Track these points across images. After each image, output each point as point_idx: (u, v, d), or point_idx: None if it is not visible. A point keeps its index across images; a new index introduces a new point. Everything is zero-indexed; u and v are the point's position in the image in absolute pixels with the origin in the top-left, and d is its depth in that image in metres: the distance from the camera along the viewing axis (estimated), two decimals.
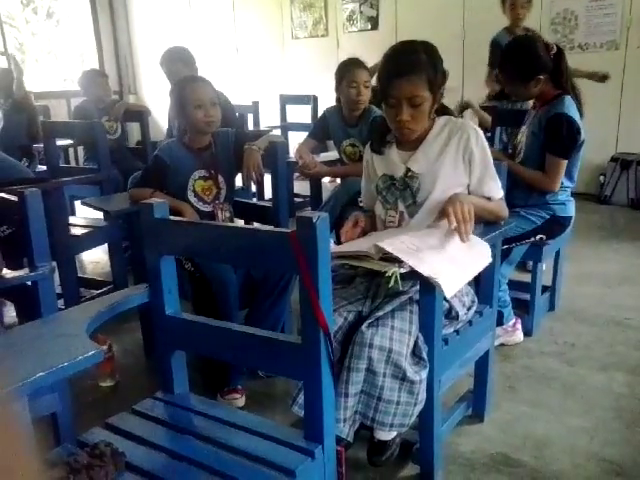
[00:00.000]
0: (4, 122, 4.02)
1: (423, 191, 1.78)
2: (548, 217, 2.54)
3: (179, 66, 3.36)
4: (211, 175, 2.38)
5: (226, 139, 2.46)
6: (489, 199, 1.84)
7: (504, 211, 1.90)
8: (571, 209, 2.62)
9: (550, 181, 2.47)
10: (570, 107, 2.44)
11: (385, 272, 1.46)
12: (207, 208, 2.38)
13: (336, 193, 3.02)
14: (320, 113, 3.51)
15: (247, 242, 1.31)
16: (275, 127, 4.78)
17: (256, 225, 2.62)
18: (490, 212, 1.85)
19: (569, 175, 2.55)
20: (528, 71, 2.45)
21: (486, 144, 1.80)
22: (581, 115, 2.49)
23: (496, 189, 1.84)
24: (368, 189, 2.00)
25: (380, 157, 1.89)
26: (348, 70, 2.97)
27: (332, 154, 3.61)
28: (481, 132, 1.80)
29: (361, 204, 2.61)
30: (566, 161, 2.46)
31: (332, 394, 1.29)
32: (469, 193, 1.84)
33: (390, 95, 1.70)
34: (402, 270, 1.44)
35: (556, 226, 2.59)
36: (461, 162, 1.78)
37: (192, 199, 2.35)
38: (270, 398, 2.24)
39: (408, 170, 1.81)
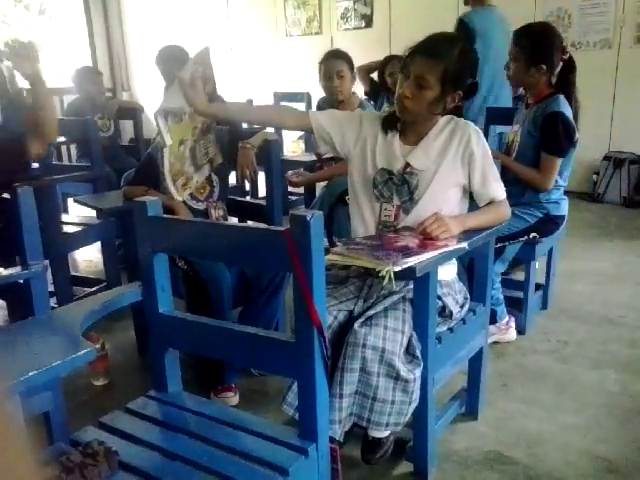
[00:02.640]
0: (2, 119, 3.99)
1: (420, 188, 1.77)
2: (542, 216, 2.55)
3: (174, 66, 3.34)
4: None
5: (219, 137, 2.44)
6: (491, 202, 1.82)
7: (505, 215, 1.87)
8: (564, 208, 2.63)
9: (544, 179, 2.47)
10: (565, 106, 2.45)
11: (379, 271, 1.46)
12: (200, 206, 2.37)
13: (322, 194, 3.03)
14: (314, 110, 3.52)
15: (241, 240, 1.30)
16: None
17: (250, 223, 2.62)
18: (489, 223, 1.82)
19: (560, 174, 2.55)
20: (536, 54, 2.44)
21: (487, 145, 1.80)
22: (575, 120, 2.50)
23: (499, 190, 1.83)
24: (331, 118, 1.90)
25: (383, 147, 1.84)
26: (324, 60, 3.06)
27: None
28: (482, 133, 1.80)
29: (348, 201, 2.61)
30: (561, 160, 2.47)
31: (326, 392, 1.29)
32: (471, 195, 1.84)
33: (406, 67, 1.72)
34: (396, 268, 1.44)
35: (549, 225, 2.59)
36: (460, 162, 1.77)
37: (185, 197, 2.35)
38: (263, 396, 2.24)
39: (407, 165, 1.80)
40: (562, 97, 2.47)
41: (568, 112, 2.45)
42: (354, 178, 1.89)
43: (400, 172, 1.80)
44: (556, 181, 2.54)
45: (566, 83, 2.52)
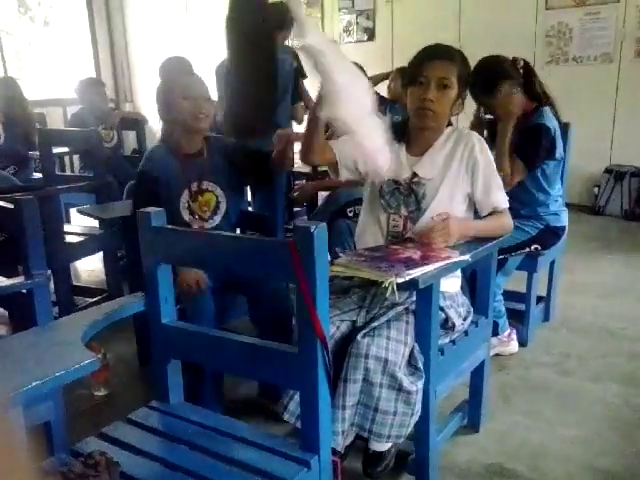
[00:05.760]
0: (5, 134, 4.01)
1: (427, 198, 1.79)
2: (542, 227, 2.56)
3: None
4: (196, 190, 2.14)
5: (221, 147, 2.21)
6: (492, 212, 1.84)
7: (508, 226, 1.87)
8: (564, 219, 2.64)
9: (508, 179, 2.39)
10: (550, 119, 2.44)
11: (382, 282, 1.46)
12: (213, 223, 2.18)
13: (324, 204, 3.04)
14: None
15: (245, 251, 1.31)
16: None
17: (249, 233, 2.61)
18: (492, 231, 1.83)
19: (552, 186, 2.55)
20: (496, 82, 2.43)
21: (490, 154, 1.82)
22: (559, 121, 2.51)
23: (502, 199, 1.85)
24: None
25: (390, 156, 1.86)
26: None
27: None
28: (484, 142, 1.82)
29: (350, 214, 2.62)
30: (526, 173, 2.44)
31: (328, 404, 1.29)
32: (475, 204, 1.85)
33: (421, 74, 1.75)
34: (399, 280, 1.45)
35: (550, 236, 2.60)
36: (464, 171, 1.80)
37: (186, 217, 2.14)
38: (265, 407, 2.23)
39: (414, 175, 1.81)
40: (546, 109, 2.47)
41: (554, 124, 2.44)
42: (366, 191, 1.93)
43: (407, 182, 1.81)
44: (548, 193, 2.54)
45: (530, 84, 2.49)
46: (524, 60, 2.52)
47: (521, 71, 2.48)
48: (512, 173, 2.42)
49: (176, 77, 2.19)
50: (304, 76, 4.03)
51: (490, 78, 2.43)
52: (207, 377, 2.07)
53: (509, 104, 2.43)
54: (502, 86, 2.42)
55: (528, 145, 2.43)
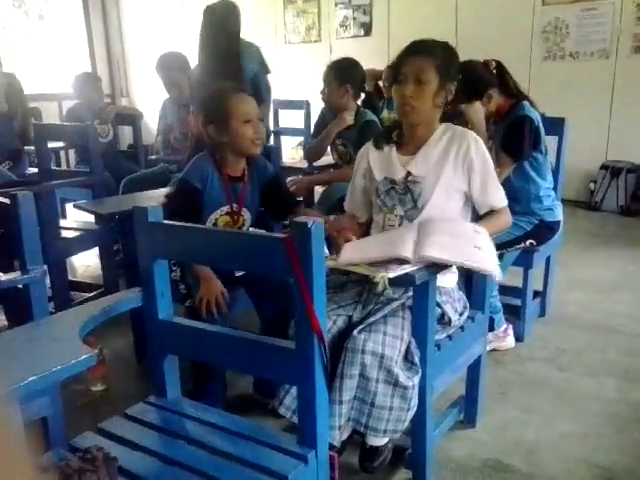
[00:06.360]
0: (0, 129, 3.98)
1: (424, 196, 1.79)
2: (537, 222, 2.57)
3: (175, 73, 3.37)
4: (235, 211, 2.16)
5: (262, 174, 2.19)
6: (491, 211, 1.84)
7: (505, 224, 1.89)
8: (559, 213, 2.65)
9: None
10: (531, 110, 2.46)
11: (373, 277, 1.46)
12: None
13: (320, 199, 3.03)
14: (313, 117, 3.54)
15: (242, 246, 1.30)
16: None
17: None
18: (496, 232, 1.85)
19: (543, 177, 2.56)
20: (476, 90, 2.45)
21: (487, 153, 1.81)
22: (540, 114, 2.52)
23: (500, 198, 1.85)
24: (354, 192, 2.01)
25: (380, 160, 1.89)
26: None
27: (326, 159, 3.62)
28: (481, 141, 1.81)
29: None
30: (513, 165, 2.47)
31: (326, 399, 1.29)
32: (472, 203, 1.85)
33: (400, 72, 1.76)
34: (390, 275, 1.45)
35: (545, 231, 2.61)
36: (460, 170, 1.79)
37: None
38: (261, 404, 2.23)
39: (408, 174, 1.82)
40: (526, 102, 2.48)
41: (536, 116, 2.46)
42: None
43: (402, 181, 1.81)
44: (539, 185, 2.55)
45: (504, 84, 2.50)
46: (495, 61, 2.54)
47: (494, 71, 2.49)
48: (500, 167, 2.42)
49: (231, 95, 2.05)
50: (268, 71, 4.07)
51: (468, 89, 2.40)
52: (212, 375, 2.09)
53: (488, 107, 2.49)
54: (482, 95, 2.45)
55: (513, 138, 2.44)
